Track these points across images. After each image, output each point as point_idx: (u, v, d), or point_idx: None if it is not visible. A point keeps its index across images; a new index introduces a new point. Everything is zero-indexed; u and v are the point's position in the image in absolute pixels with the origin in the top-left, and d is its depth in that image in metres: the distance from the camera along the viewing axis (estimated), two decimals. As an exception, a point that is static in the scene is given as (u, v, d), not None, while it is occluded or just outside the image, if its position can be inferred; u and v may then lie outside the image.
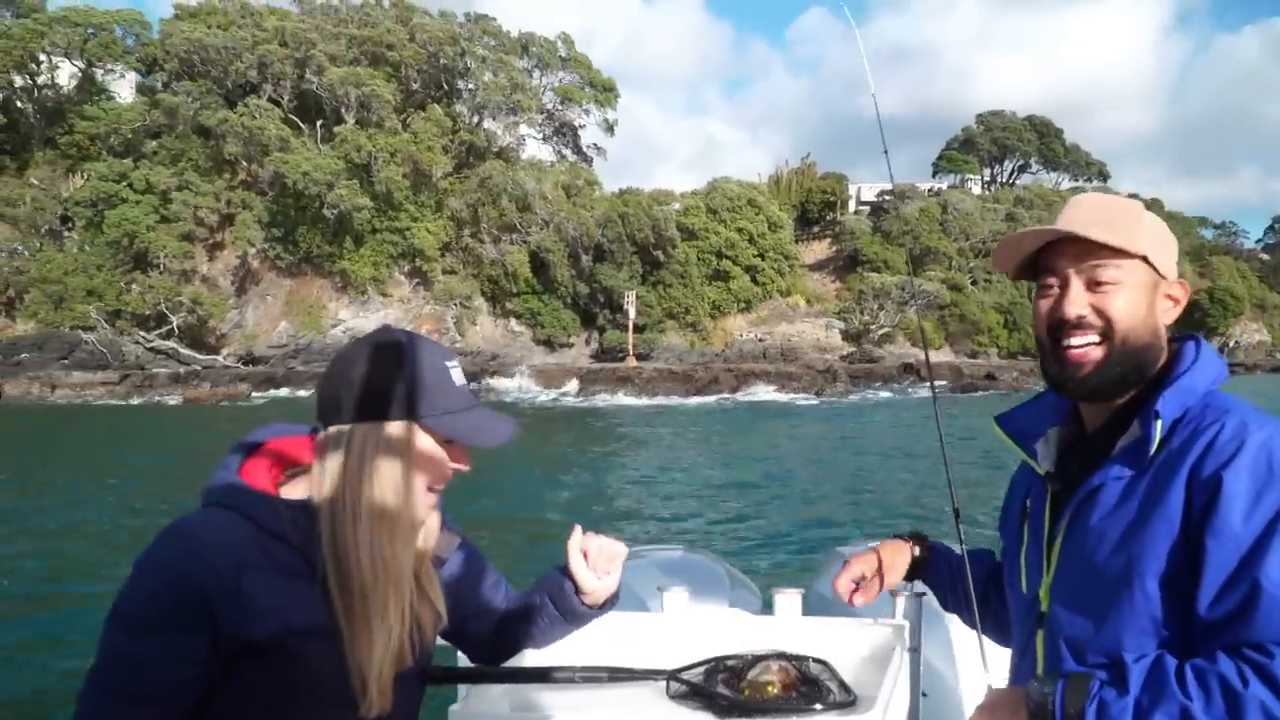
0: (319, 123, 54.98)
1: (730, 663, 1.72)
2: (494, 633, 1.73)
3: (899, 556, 1.87)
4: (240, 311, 52.93)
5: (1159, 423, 1.38)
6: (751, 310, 60.77)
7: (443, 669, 1.68)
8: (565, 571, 1.70)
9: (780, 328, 60.28)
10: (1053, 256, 1.50)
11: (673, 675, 1.70)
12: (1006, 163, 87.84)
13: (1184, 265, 79.39)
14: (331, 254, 53.26)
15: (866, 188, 79.43)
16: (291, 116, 54.60)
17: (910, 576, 1.89)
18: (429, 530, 1.54)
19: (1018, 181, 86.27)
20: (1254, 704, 1.21)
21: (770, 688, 1.62)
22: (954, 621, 2.08)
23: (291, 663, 1.37)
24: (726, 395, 42.56)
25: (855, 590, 1.82)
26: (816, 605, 2.73)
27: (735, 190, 62.31)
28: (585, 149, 66.04)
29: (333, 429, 1.41)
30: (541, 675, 1.69)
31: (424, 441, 1.42)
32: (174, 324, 49.50)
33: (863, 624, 1.90)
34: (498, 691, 1.70)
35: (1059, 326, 1.47)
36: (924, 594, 1.95)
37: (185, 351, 49.56)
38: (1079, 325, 1.46)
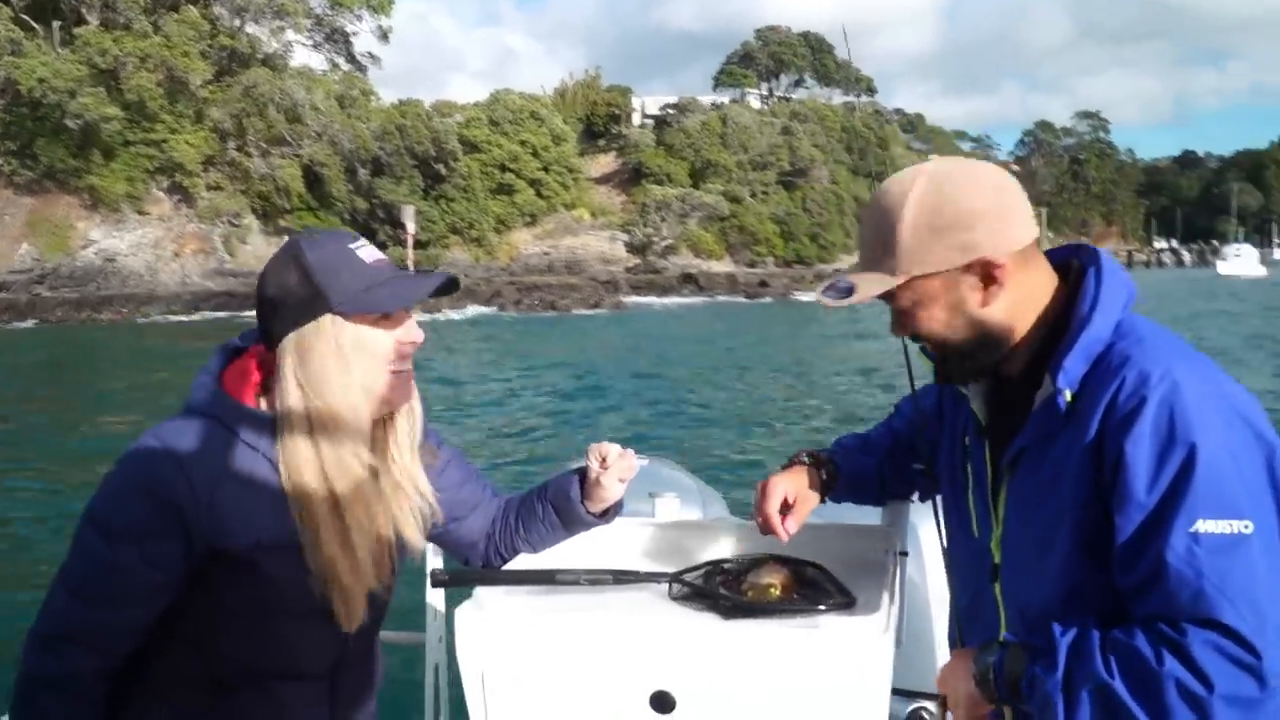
0: (56, 24, 50.01)
1: (728, 565, 1.73)
2: (485, 537, 1.74)
3: (811, 482, 1.78)
4: (-26, 233, 48.26)
5: (1067, 391, 1.32)
6: (537, 224, 60.58)
7: (448, 572, 1.72)
8: (579, 475, 1.71)
9: (566, 241, 60.47)
10: None
11: (674, 578, 1.70)
12: (783, 77, 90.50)
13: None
14: (78, 169, 49.03)
15: (650, 100, 79.97)
16: (23, 16, 49.38)
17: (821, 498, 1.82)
18: (413, 417, 1.50)
19: (794, 96, 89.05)
20: (1170, 682, 1.19)
21: (772, 589, 1.62)
22: (932, 530, 2.15)
23: (261, 575, 1.37)
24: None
25: (785, 518, 1.73)
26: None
27: (518, 103, 61.45)
28: (359, 58, 63.26)
29: (274, 352, 1.41)
30: (547, 578, 1.68)
31: (351, 330, 1.39)
32: (-105, 248, 44.64)
33: (851, 529, 1.92)
34: (503, 594, 1.68)
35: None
36: (910, 501, 1.91)
37: (-89, 278, 44.90)
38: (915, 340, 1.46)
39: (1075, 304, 1.37)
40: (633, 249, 61.52)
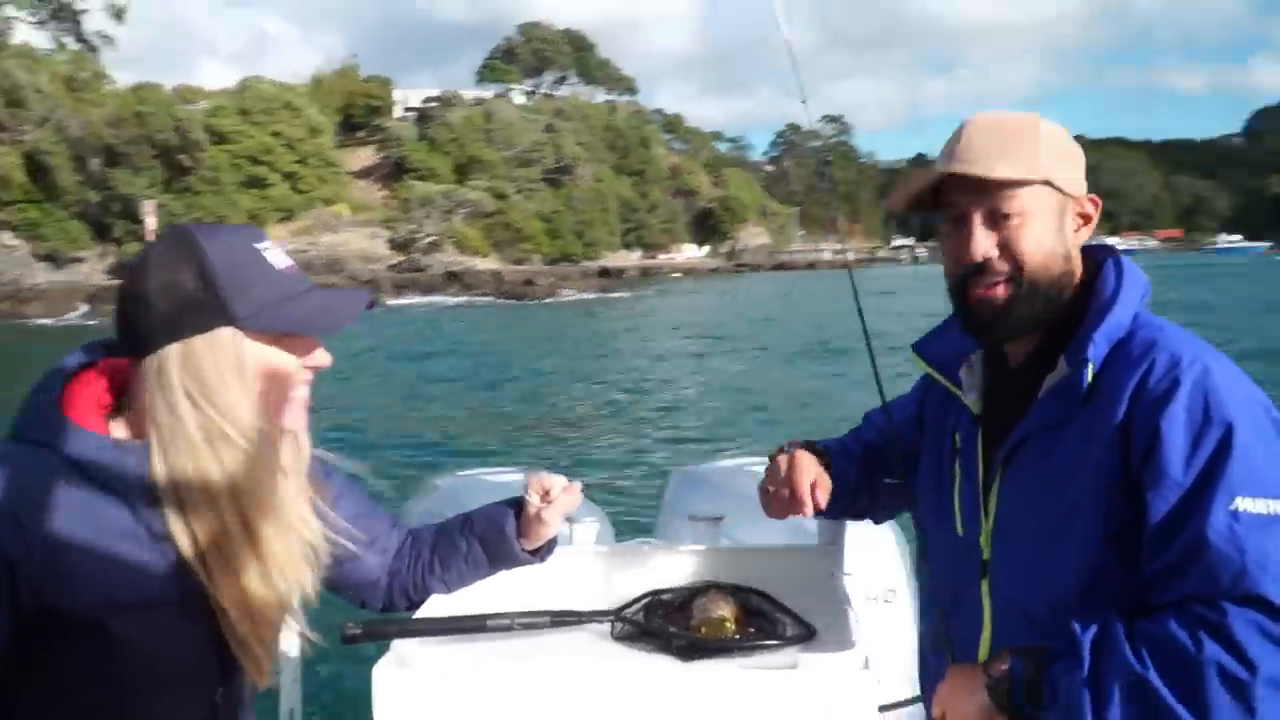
0: None
1: (666, 596, 1.60)
2: (388, 574, 1.56)
3: (822, 466, 1.67)
4: None
5: (1090, 367, 1.29)
6: (293, 219, 58.25)
7: (360, 624, 1.48)
8: (514, 508, 1.56)
9: (324, 238, 58.44)
10: (949, 189, 1.39)
11: (618, 615, 1.54)
12: (547, 74, 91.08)
13: (700, 177, 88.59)
14: None
15: (413, 93, 78.51)
16: None
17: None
18: (298, 446, 1.31)
19: (557, 93, 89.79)
20: (1210, 667, 1.13)
21: (726, 624, 1.49)
22: (868, 547, 1.94)
23: (113, 639, 1.16)
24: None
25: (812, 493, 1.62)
26: (672, 531, 2.71)
27: (270, 91, 58.87)
28: (89, 37, 58.53)
29: (144, 361, 1.18)
30: (476, 624, 1.50)
31: (254, 347, 1.19)
32: None
33: (786, 550, 1.79)
34: (423, 645, 1.46)
35: (966, 269, 1.38)
36: (846, 520, 1.81)
37: None
38: (985, 268, 1.36)
39: (1094, 294, 1.38)
40: (395, 246, 60.27)
